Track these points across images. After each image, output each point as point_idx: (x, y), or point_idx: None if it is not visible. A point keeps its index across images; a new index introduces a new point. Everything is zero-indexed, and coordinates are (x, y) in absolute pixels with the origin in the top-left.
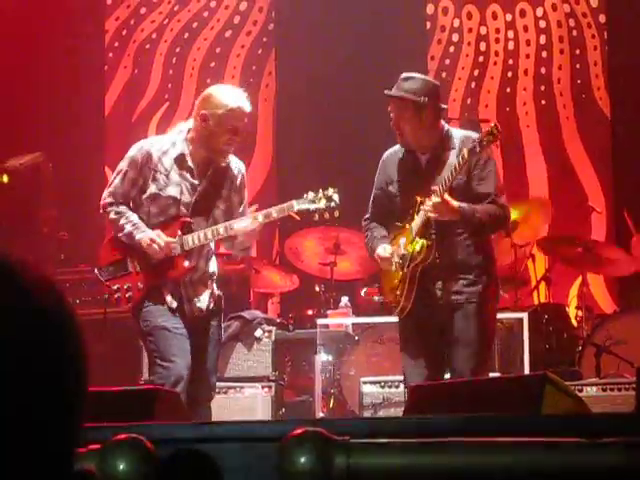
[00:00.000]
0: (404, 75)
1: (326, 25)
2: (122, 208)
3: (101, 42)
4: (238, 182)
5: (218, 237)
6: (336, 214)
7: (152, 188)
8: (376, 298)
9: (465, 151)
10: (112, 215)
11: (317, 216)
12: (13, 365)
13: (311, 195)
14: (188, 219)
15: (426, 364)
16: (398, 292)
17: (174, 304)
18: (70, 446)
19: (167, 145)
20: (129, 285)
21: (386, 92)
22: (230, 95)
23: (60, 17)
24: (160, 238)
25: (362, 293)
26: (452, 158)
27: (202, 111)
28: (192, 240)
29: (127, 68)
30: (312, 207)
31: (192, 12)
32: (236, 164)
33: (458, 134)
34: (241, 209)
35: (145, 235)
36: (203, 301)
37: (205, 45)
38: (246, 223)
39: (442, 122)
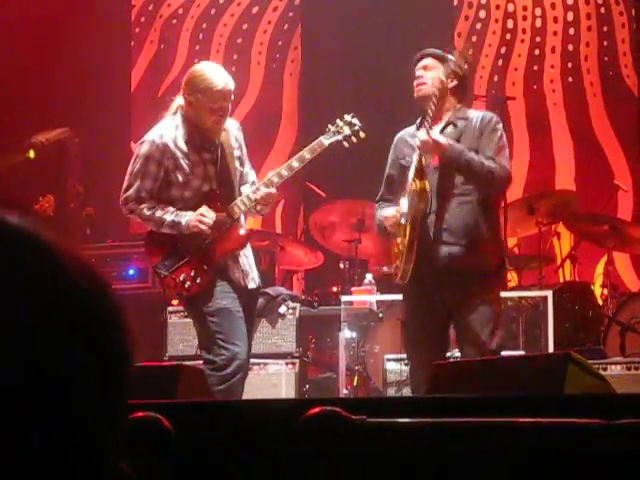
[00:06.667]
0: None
1: (352, 0)
2: (153, 203)
3: (128, 17)
4: (242, 138)
5: (261, 195)
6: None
7: (179, 175)
8: (385, 268)
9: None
10: (146, 212)
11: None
12: (52, 354)
13: (333, 127)
14: (215, 191)
15: (428, 346)
16: (400, 249)
17: (241, 280)
18: (112, 439)
19: (172, 130)
20: (194, 272)
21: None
22: (212, 76)
23: None
24: (206, 217)
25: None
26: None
27: (186, 96)
28: (238, 208)
29: (153, 43)
30: (340, 137)
31: None
32: (231, 124)
33: (475, 112)
34: (246, 166)
35: (191, 218)
36: (254, 272)
37: (232, 21)
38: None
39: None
